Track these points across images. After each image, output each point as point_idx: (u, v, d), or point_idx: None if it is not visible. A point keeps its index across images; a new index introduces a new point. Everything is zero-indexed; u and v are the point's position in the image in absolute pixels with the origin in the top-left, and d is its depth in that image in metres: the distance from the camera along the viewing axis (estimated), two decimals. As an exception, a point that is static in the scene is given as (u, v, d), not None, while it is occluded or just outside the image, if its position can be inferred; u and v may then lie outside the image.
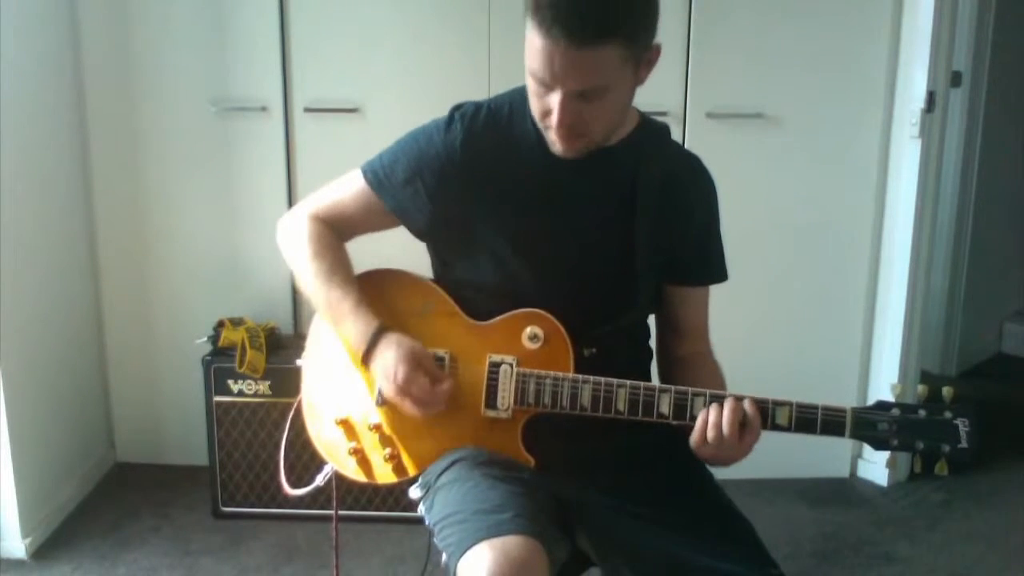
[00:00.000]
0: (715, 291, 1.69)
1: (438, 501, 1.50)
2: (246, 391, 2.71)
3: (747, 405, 1.43)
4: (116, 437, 3.11)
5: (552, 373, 1.51)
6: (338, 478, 1.71)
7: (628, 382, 1.48)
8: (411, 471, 1.59)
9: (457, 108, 1.59)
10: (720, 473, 1.54)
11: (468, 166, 1.54)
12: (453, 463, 1.53)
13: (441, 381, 1.53)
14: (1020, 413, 3.55)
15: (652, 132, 1.60)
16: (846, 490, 3.05)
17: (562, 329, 1.53)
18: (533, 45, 1.36)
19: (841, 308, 3.02)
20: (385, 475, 1.60)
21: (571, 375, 1.51)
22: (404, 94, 2.82)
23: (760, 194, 2.89)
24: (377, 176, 1.60)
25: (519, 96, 1.52)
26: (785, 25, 2.82)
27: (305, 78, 2.84)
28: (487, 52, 2.76)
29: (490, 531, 1.35)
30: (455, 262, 1.63)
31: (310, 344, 1.72)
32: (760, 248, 2.87)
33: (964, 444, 1.40)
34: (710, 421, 1.42)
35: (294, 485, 1.90)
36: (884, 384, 2.94)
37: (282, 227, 1.70)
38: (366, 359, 1.55)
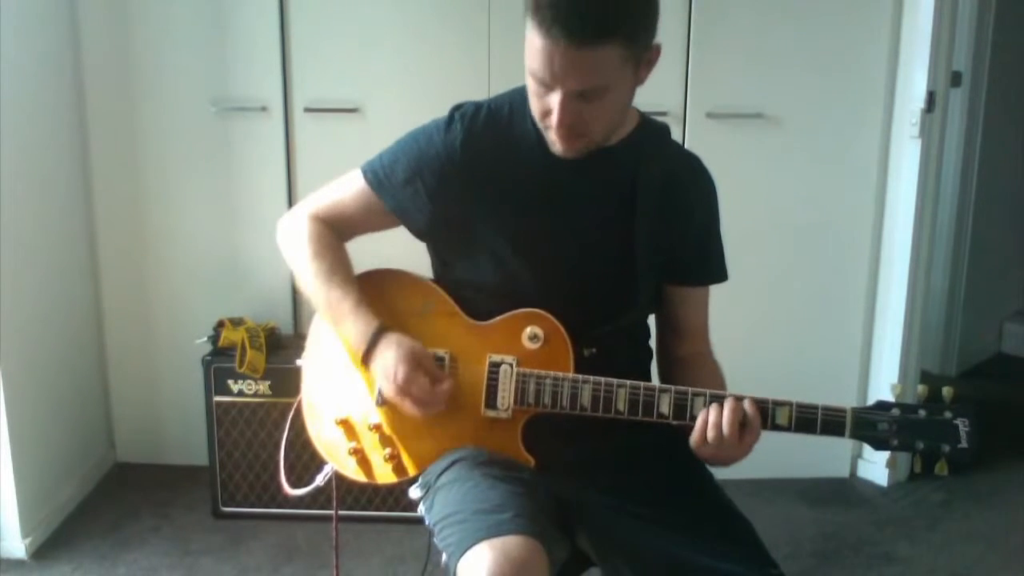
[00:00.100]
0: (715, 291, 1.69)
1: (438, 501, 1.50)
2: (246, 391, 2.71)
3: (747, 405, 1.43)
4: (116, 437, 3.11)
5: (552, 373, 1.51)
6: (338, 478, 1.71)
7: (628, 382, 1.48)
8: (411, 471, 1.59)
9: (457, 108, 1.59)
10: (720, 473, 1.54)
11: (468, 166, 1.54)
12: (453, 463, 1.53)
13: (441, 381, 1.53)
14: (1020, 413, 3.55)
15: (652, 132, 1.60)
16: (846, 490, 3.05)
17: (562, 329, 1.53)
18: (533, 45, 1.36)
19: (841, 308, 3.02)
20: (385, 475, 1.60)
21: (571, 375, 1.51)
22: (404, 94, 2.82)
23: (760, 194, 2.89)
24: (377, 176, 1.60)
25: (519, 96, 1.52)
26: (785, 25, 2.82)
27: (305, 78, 2.84)
28: (487, 52, 2.76)
29: (490, 531, 1.35)
30: (455, 262, 1.63)
31: (310, 344, 1.72)
32: (760, 248, 2.87)
33: (964, 444, 1.39)
34: (710, 421, 1.42)
35: (294, 485, 1.90)
36: (884, 384, 2.94)
37: (282, 227, 1.70)
38: (366, 359, 1.55)
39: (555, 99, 1.38)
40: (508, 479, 1.46)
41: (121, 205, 2.96)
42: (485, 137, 1.55)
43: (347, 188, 1.64)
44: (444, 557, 1.44)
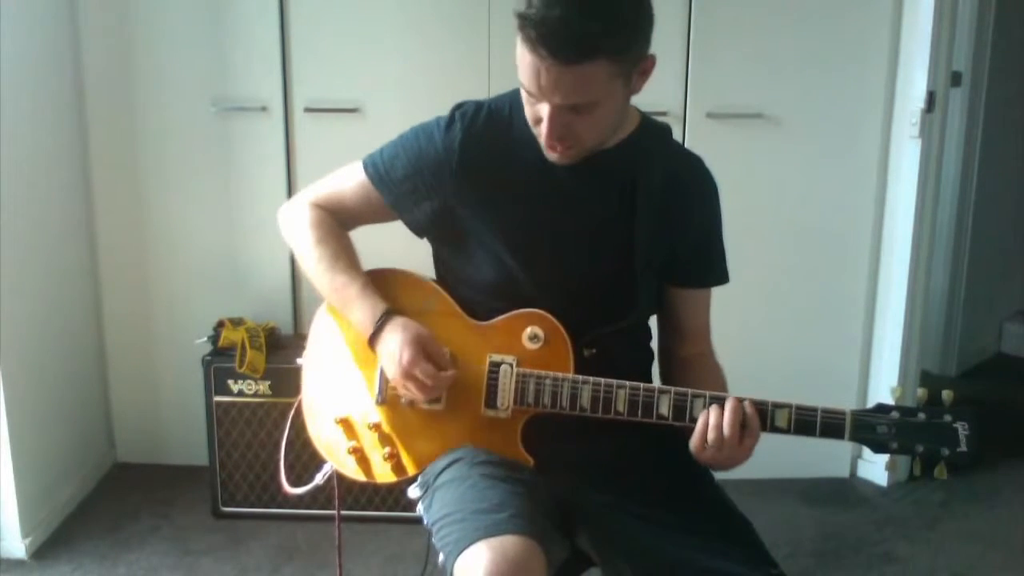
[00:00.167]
0: (715, 291, 1.69)
1: (436, 500, 1.50)
2: (246, 391, 2.71)
3: (747, 407, 1.43)
4: (116, 437, 3.11)
5: (552, 373, 1.51)
6: (338, 477, 1.71)
7: (628, 383, 1.48)
8: (410, 470, 1.59)
9: (458, 107, 1.59)
10: (720, 473, 1.54)
11: (467, 166, 1.55)
12: (452, 463, 1.53)
13: (445, 368, 1.53)
14: (1020, 413, 3.55)
15: (653, 132, 1.60)
16: (846, 490, 3.05)
17: (562, 329, 1.54)
18: (522, 58, 1.37)
19: (841, 308, 3.02)
20: (384, 474, 1.60)
21: (571, 375, 1.51)
22: (404, 94, 2.82)
23: (760, 194, 2.89)
24: (378, 170, 1.60)
25: (519, 96, 1.52)
26: (785, 25, 2.82)
27: (305, 78, 2.84)
28: (487, 52, 2.76)
29: (488, 530, 1.35)
30: (455, 261, 1.63)
31: (310, 344, 1.72)
32: (760, 248, 2.87)
33: (963, 448, 1.39)
34: (711, 422, 1.42)
35: (294, 485, 1.90)
36: (884, 384, 2.94)
37: (283, 215, 1.70)
38: (372, 341, 1.56)
39: (545, 110, 1.39)
40: (507, 479, 1.46)
41: (121, 205, 2.96)
42: (485, 137, 1.55)
43: (348, 179, 1.65)
44: (441, 557, 1.44)
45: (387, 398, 1.61)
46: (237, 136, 2.89)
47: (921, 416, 1.41)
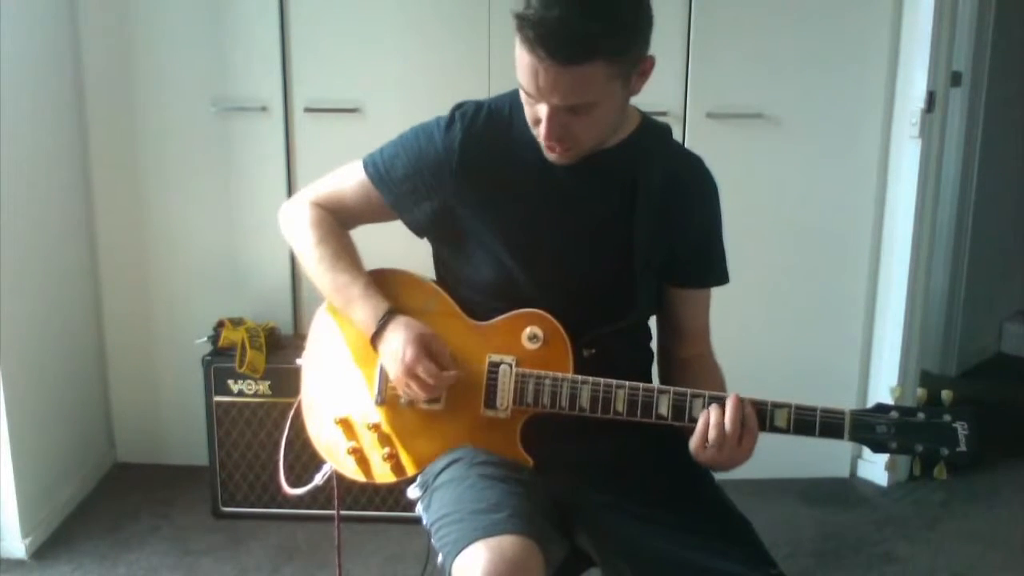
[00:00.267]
0: (715, 291, 1.69)
1: (435, 501, 1.50)
2: (246, 391, 2.71)
3: (746, 407, 1.43)
4: (116, 437, 3.11)
5: (551, 373, 1.51)
6: (338, 478, 1.71)
7: (627, 383, 1.48)
8: (410, 471, 1.59)
9: (458, 107, 1.59)
10: (720, 473, 1.54)
11: (467, 166, 1.55)
12: (451, 463, 1.53)
13: (448, 367, 1.53)
14: (1020, 413, 3.55)
15: (653, 132, 1.60)
16: (846, 490, 3.05)
17: (561, 330, 1.54)
18: (521, 59, 1.37)
19: (841, 308, 3.02)
20: (384, 475, 1.60)
21: (570, 376, 1.51)
22: (404, 94, 2.82)
23: (760, 194, 2.88)
24: (378, 170, 1.61)
25: (519, 96, 1.52)
26: (785, 25, 2.82)
27: (305, 78, 2.84)
28: (487, 52, 2.75)
29: (486, 531, 1.35)
30: (455, 262, 1.63)
31: (310, 344, 1.72)
32: (760, 248, 2.87)
33: (963, 448, 1.39)
34: (711, 421, 1.42)
35: (294, 485, 1.90)
36: (884, 384, 2.94)
37: (284, 214, 1.71)
38: (375, 340, 1.56)
39: (543, 110, 1.39)
40: (505, 479, 1.46)
41: (121, 205, 2.96)
42: (485, 137, 1.55)
43: (348, 179, 1.65)
44: (440, 557, 1.44)
45: (387, 398, 1.61)
46: (237, 136, 2.89)
47: (920, 416, 1.41)
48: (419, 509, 1.59)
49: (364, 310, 1.58)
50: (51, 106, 2.79)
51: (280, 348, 2.75)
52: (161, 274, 3.00)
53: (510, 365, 1.53)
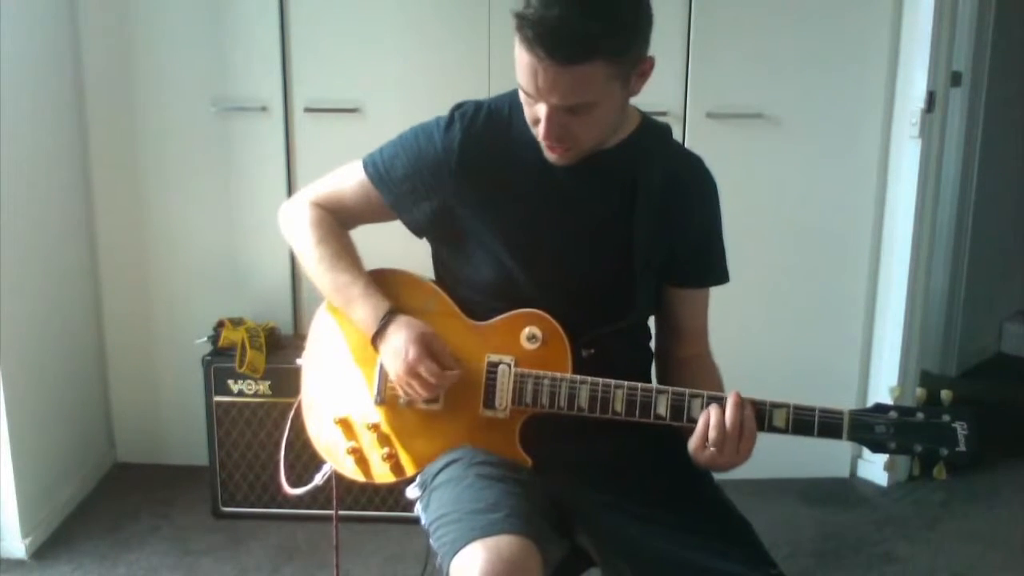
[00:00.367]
0: (715, 291, 1.69)
1: (434, 501, 1.50)
2: (246, 391, 2.72)
3: (746, 408, 1.42)
4: (116, 437, 3.11)
5: (550, 373, 1.51)
6: (338, 478, 1.71)
7: (626, 383, 1.48)
8: (409, 471, 1.59)
9: (458, 107, 1.59)
10: (720, 473, 1.54)
11: (467, 166, 1.55)
12: (449, 463, 1.53)
13: (449, 367, 1.53)
14: (1020, 413, 3.55)
15: (653, 132, 1.60)
16: (846, 490, 3.05)
17: (560, 330, 1.54)
18: (520, 59, 1.37)
19: (841, 308, 3.02)
20: (383, 475, 1.60)
21: (569, 376, 1.51)
22: (404, 94, 2.82)
23: (760, 194, 2.88)
24: (377, 170, 1.61)
25: (519, 96, 1.52)
26: (785, 25, 2.82)
27: (305, 78, 2.84)
28: (487, 52, 2.75)
29: (483, 531, 1.35)
30: (454, 262, 1.63)
31: (310, 344, 1.72)
32: (760, 248, 2.87)
33: (962, 448, 1.39)
34: (712, 421, 1.41)
35: (294, 485, 1.90)
36: (884, 384, 2.94)
37: (283, 214, 1.71)
38: (376, 340, 1.56)
39: (542, 110, 1.39)
40: (504, 479, 1.46)
41: (121, 205, 2.96)
42: (484, 137, 1.55)
43: (348, 179, 1.65)
44: (438, 557, 1.44)
45: (386, 398, 1.61)
46: (237, 136, 2.89)
47: (919, 416, 1.41)
48: (418, 509, 1.59)
49: (365, 310, 1.58)
50: (51, 106, 2.79)
51: (280, 348, 2.75)
52: (161, 274, 3.00)
53: (509, 365, 1.53)
